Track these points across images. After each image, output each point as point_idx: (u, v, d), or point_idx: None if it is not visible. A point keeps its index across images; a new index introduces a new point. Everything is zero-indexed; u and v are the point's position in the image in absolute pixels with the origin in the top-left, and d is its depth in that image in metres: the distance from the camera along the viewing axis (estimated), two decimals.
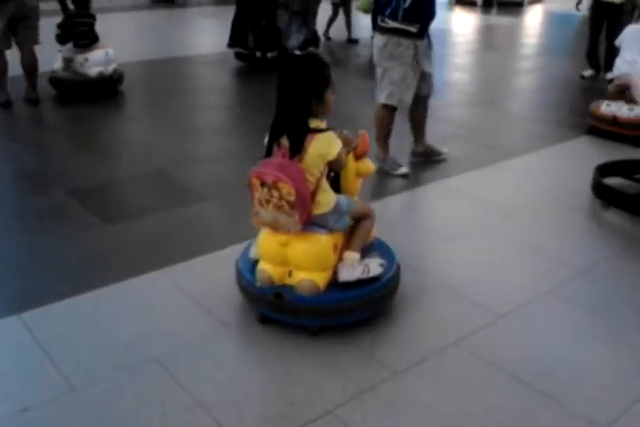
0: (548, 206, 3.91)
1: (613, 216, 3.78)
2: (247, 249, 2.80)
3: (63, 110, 6.02)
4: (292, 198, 2.37)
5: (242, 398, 2.25)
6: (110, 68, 6.47)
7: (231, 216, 3.64)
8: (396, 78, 4.19)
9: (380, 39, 4.21)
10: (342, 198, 2.62)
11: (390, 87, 4.23)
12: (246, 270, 2.67)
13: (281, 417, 2.15)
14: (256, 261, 2.66)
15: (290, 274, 2.56)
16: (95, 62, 6.36)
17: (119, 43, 8.79)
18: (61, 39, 6.31)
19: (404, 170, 4.39)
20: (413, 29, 4.06)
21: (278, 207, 2.42)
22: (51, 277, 3.01)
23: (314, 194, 2.47)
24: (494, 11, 14.27)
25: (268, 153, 2.52)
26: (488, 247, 3.39)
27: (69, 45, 6.34)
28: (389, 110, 4.35)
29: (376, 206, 3.82)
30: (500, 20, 13.07)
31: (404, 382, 2.34)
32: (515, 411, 2.21)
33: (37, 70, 6.04)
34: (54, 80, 6.32)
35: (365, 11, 8.41)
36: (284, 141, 2.44)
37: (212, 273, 2.78)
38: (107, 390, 2.26)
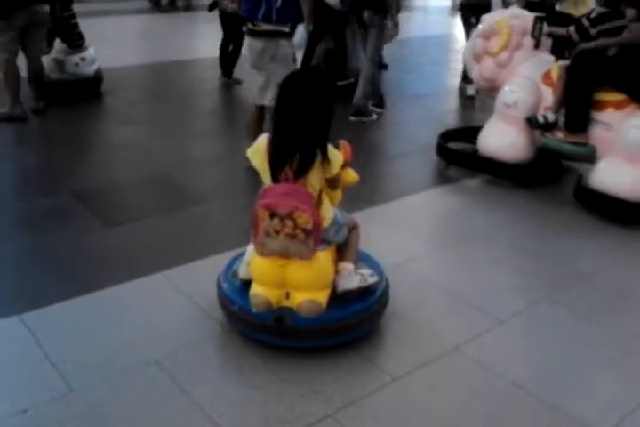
0: (551, 211, 3.92)
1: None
2: (229, 268, 2.70)
3: (61, 113, 5.97)
4: (310, 226, 2.27)
5: (242, 400, 2.25)
6: (97, 65, 6.56)
7: (231, 218, 3.64)
8: (281, 80, 4.24)
9: (256, 43, 4.22)
10: (335, 209, 2.56)
11: (277, 89, 4.27)
12: (236, 295, 2.54)
13: (281, 420, 2.15)
14: (245, 282, 2.56)
15: (287, 296, 2.45)
16: (91, 60, 6.44)
17: (119, 46, 8.85)
18: (49, 42, 6.20)
19: None
20: (286, 29, 4.18)
21: (292, 236, 2.30)
22: (52, 278, 3.02)
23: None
24: None
25: (276, 179, 2.40)
26: (489, 252, 3.40)
27: (62, 47, 6.30)
28: (260, 109, 4.39)
29: (376, 211, 3.86)
30: None
31: (403, 387, 2.34)
32: (514, 416, 2.22)
33: (44, 77, 5.91)
34: (51, 84, 6.16)
35: None
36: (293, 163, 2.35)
37: (212, 276, 2.77)
38: (106, 392, 2.26)
